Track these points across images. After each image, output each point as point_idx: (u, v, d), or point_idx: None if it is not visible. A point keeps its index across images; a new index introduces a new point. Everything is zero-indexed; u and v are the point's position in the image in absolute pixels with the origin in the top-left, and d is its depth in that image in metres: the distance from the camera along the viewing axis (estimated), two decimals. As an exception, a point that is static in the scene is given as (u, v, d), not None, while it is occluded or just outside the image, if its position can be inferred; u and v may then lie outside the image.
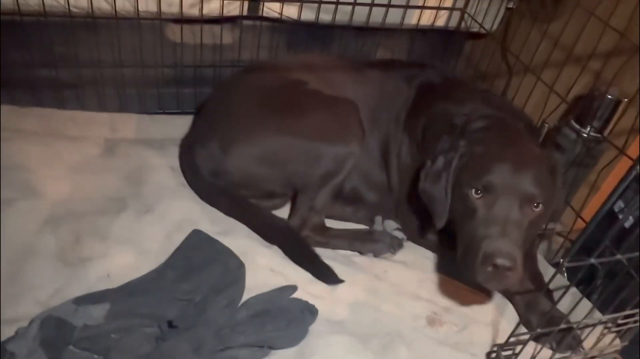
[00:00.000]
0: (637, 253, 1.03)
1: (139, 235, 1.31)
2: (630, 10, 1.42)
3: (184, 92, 1.80)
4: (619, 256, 0.98)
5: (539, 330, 1.11)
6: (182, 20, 1.63)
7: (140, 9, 1.56)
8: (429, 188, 1.30)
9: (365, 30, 1.86)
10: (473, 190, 1.20)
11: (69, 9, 1.50)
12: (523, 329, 1.22)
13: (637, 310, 1.25)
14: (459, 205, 1.24)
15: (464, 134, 1.33)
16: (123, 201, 1.40)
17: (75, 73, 1.66)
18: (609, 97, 1.43)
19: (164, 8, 1.57)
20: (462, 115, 1.40)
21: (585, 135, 1.50)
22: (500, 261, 1.09)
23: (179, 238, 1.31)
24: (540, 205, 1.18)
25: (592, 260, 0.97)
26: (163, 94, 1.78)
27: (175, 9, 1.58)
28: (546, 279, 1.42)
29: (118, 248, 1.26)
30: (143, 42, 1.65)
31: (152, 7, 1.57)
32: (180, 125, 1.69)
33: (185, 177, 1.49)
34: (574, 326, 1.18)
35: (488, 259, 1.10)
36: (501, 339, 1.15)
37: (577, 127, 1.52)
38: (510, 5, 1.92)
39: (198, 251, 1.28)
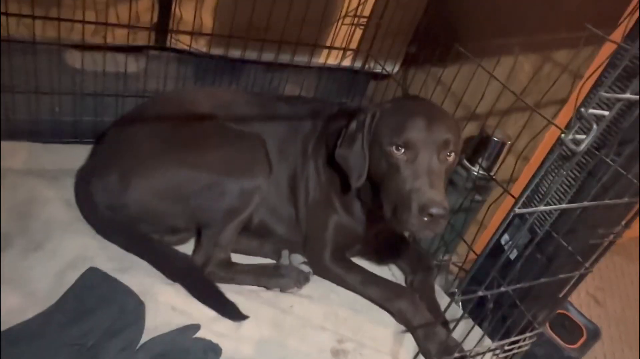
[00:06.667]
0: (521, 284, 1.13)
1: (25, 274, 1.21)
2: (512, 62, 1.59)
3: (83, 120, 1.71)
4: (502, 289, 1.06)
5: (435, 360, 1.17)
6: (83, 46, 1.56)
7: (36, 33, 1.47)
8: (344, 151, 1.36)
9: (274, 66, 1.90)
10: (394, 147, 1.26)
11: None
12: (422, 359, 1.28)
13: (522, 336, 1.36)
14: (381, 162, 1.30)
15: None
16: (8, 237, 1.28)
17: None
18: (495, 139, 1.58)
19: (63, 34, 1.49)
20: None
21: (475, 174, 1.63)
22: (435, 210, 1.17)
23: (72, 278, 1.22)
24: (452, 153, 1.29)
25: (480, 293, 1.04)
26: (59, 122, 1.68)
27: (76, 36, 1.51)
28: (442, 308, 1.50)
29: (1, 290, 1.15)
30: (38, 66, 1.55)
31: (51, 33, 1.49)
32: (76, 155, 1.59)
33: (81, 211, 1.40)
34: (467, 354, 1.25)
35: (424, 210, 1.18)
36: (401, 370, 1.19)
37: (469, 165, 1.65)
38: (411, 50, 2.06)
39: (92, 291, 1.20)
